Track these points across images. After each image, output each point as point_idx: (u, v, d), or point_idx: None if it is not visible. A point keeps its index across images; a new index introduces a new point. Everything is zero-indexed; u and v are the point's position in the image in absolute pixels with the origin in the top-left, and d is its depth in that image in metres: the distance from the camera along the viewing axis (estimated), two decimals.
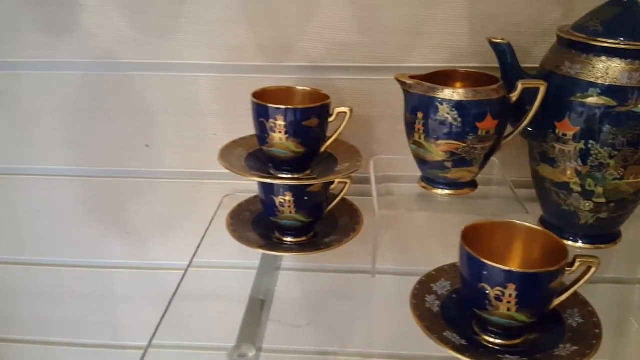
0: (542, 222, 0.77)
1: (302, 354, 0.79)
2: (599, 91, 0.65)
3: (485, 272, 0.55)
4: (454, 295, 0.64)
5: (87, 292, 1.05)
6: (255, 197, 0.87)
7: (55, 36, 0.87)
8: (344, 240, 0.76)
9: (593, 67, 0.66)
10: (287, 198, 0.74)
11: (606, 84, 0.65)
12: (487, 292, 0.55)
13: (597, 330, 0.59)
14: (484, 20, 0.82)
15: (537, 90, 0.69)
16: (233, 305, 0.97)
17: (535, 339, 0.60)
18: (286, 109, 0.70)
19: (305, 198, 0.74)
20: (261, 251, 0.75)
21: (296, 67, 0.87)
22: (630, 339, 0.75)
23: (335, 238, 0.77)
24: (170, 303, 0.72)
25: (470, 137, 0.68)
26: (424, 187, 0.75)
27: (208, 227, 0.86)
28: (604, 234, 0.75)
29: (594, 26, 0.68)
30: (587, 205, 0.71)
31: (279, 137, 0.71)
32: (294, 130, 0.71)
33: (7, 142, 0.95)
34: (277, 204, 0.74)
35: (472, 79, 0.72)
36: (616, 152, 0.66)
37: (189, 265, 0.79)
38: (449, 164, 0.70)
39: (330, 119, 0.74)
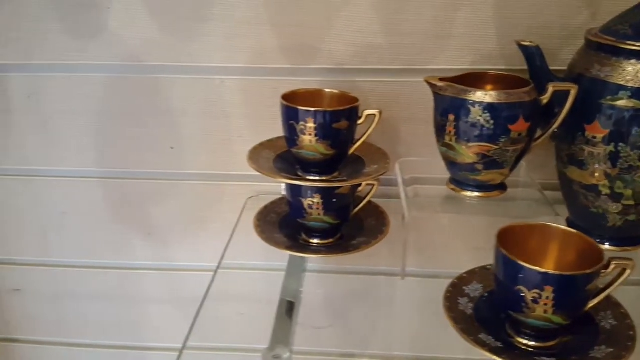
0: (569, 223, 0.77)
1: (330, 355, 0.79)
2: (629, 94, 0.65)
3: (522, 275, 0.55)
4: (486, 298, 0.65)
5: (110, 293, 1.06)
6: (281, 199, 0.87)
7: (83, 39, 0.88)
8: (372, 242, 0.76)
9: (623, 70, 0.66)
10: (316, 200, 0.74)
11: (636, 86, 0.65)
12: (524, 294, 0.55)
13: (631, 332, 0.60)
14: (511, 22, 0.82)
15: (566, 92, 0.69)
16: (256, 307, 0.98)
17: (569, 341, 0.60)
18: (316, 111, 0.70)
19: (334, 200, 0.74)
20: (290, 253, 0.75)
21: (321, 69, 0.87)
22: None
23: (363, 240, 0.77)
24: (202, 305, 0.73)
25: (503, 140, 0.68)
26: (453, 189, 0.75)
27: (234, 229, 0.86)
28: (631, 236, 0.75)
29: (623, 29, 0.68)
30: (616, 207, 0.71)
31: (309, 139, 0.71)
32: (324, 132, 0.71)
33: (34, 144, 0.96)
34: (306, 205, 0.74)
35: (502, 81, 0.72)
36: None
37: (218, 267, 0.80)
38: (479, 166, 0.70)
39: (359, 121, 0.74)
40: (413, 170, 0.83)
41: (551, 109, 0.71)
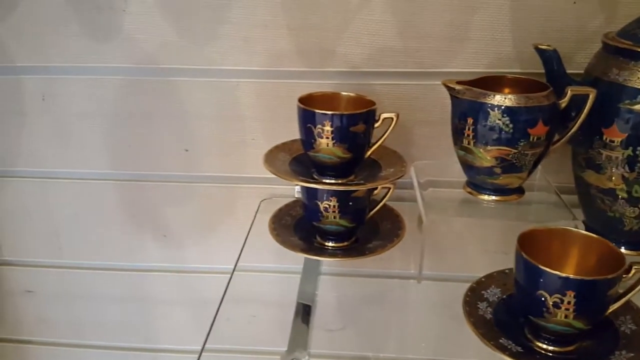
0: (586, 227, 0.77)
1: (345, 358, 0.79)
2: None
3: (543, 279, 0.55)
4: (504, 302, 0.64)
5: (123, 295, 1.06)
6: (295, 201, 0.87)
7: (99, 41, 0.88)
8: (387, 246, 0.76)
9: None
10: (332, 203, 0.74)
11: None
12: (545, 299, 0.55)
13: None
14: (526, 25, 0.82)
15: (584, 96, 0.69)
16: (270, 309, 0.98)
17: (589, 346, 0.60)
18: (333, 114, 0.70)
19: (350, 203, 0.74)
20: (307, 256, 0.75)
21: (336, 72, 0.87)
22: None
23: (379, 243, 0.77)
24: (219, 307, 0.73)
25: (522, 143, 0.68)
26: (469, 193, 0.75)
27: (249, 231, 0.86)
28: None
29: None
30: (633, 211, 0.71)
31: (326, 142, 0.71)
32: (341, 136, 0.71)
33: (48, 145, 0.96)
34: (322, 209, 0.74)
35: (519, 84, 0.72)
36: None
37: (234, 269, 0.80)
38: (498, 170, 0.70)
39: (376, 125, 0.74)
40: (428, 172, 0.83)
41: (568, 113, 0.71)
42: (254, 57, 0.87)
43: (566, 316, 0.55)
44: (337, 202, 0.74)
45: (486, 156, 0.69)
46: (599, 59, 0.72)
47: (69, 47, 0.89)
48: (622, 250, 0.73)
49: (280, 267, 0.95)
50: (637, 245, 0.74)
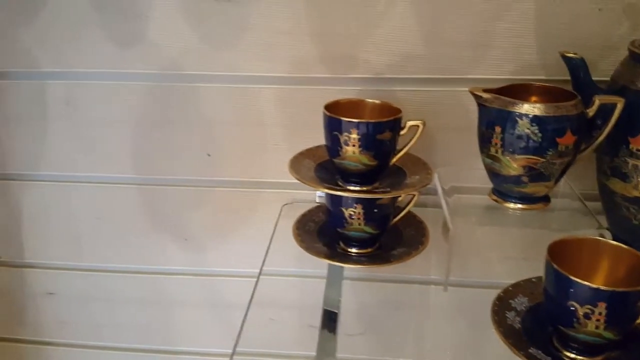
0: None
1: None
2: None
3: (574, 290, 0.55)
4: (531, 311, 0.65)
5: (143, 297, 1.07)
6: (317, 207, 0.88)
7: (122, 47, 0.89)
8: (412, 253, 0.76)
9: None
10: (357, 210, 0.74)
11: None
12: (576, 309, 0.55)
13: None
14: (550, 32, 0.82)
15: (610, 105, 0.69)
16: (292, 313, 0.99)
17: (617, 356, 0.60)
18: (360, 122, 0.70)
19: (375, 210, 0.74)
20: (332, 263, 0.75)
21: (359, 78, 0.87)
22: None
23: (403, 250, 0.77)
24: (247, 310, 0.73)
25: (550, 152, 0.68)
26: (495, 200, 0.75)
27: (272, 236, 0.86)
28: None
29: None
30: None
31: (352, 150, 0.71)
32: (367, 143, 0.71)
33: (71, 150, 0.97)
34: (347, 215, 0.75)
35: (546, 93, 0.72)
36: None
37: (260, 273, 0.80)
38: (525, 179, 0.70)
39: (402, 132, 0.74)
40: (451, 179, 0.83)
41: (594, 121, 0.71)
42: (277, 63, 0.87)
43: (597, 327, 0.55)
44: (363, 209, 0.74)
45: (514, 165, 0.69)
46: (625, 67, 0.72)
47: (93, 53, 0.90)
48: None
49: (301, 271, 0.95)
50: None
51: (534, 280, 0.67)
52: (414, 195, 0.77)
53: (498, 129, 0.69)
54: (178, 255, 1.02)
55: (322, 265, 0.80)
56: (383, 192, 0.74)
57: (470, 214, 0.79)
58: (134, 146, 0.95)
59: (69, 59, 0.91)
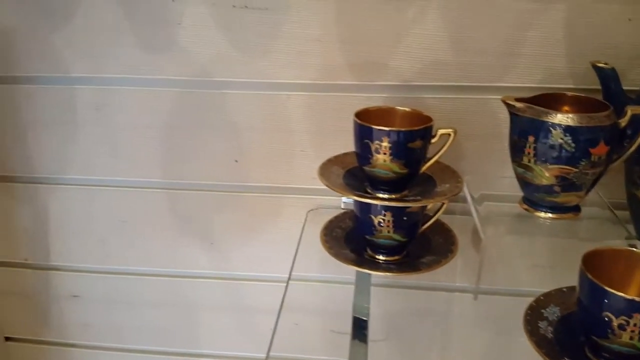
0: None
1: None
2: None
3: (609, 301, 0.55)
4: (563, 320, 0.64)
5: (167, 301, 1.07)
6: (344, 213, 0.88)
7: (153, 53, 0.90)
8: (442, 262, 0.76)
9: None
10: (387, 218, 0.74)
11: None
12: (611, 320, 0.55)
13: None
14: (580, 41, 0.82)
15: None
16: (318, 318, 0.99)
17: None
18: (391, 130, 0.71)
19: (404, 218, 0.75)
20: (361, 270, 0.76)
21: (387, 85, 0.88)
22: None
23: (432, 259, 0.77)
24: (279, 315, 0.73)
25: (583, 163, 0.68)
26: (526, 209, 0.75)
27: (299, 241, 0.87)
28: None
29: None
30: None
31: (383, 158, 0.72)
32: (398, 151, 0.71)
33: (99, 154, 0.98)
34: (376, 223, 0.75)
35: (578, 103, 0.73)
36: None
37: (289, 278, 0.80)
38: (557, 188, 0.70)
39: (433, 140, 0.74)
40: (479, 186, 0.84)
41: (624, 131, 0.71)
42: (306, 70, 0.88)
43: (631, 338, 0.55)
44: (392, 216, 0.74)
45: (546, 174, 0.69)
46: None
47: (123, 59, 0.91)
48: None
49: (325, 276, 0.95)
50: None
51: (564, 289, 0.67)
52: (444, 203, 0.77)
53: (531, 139, 0.69)
54: (203, 259, 1.03)
55: (346, 271, 0.80)
56: (414, 201, 0.74)
57: (499, 222, 0.79)
58: (161, 151, 0.96)
59: (98, 64, 0.92)
